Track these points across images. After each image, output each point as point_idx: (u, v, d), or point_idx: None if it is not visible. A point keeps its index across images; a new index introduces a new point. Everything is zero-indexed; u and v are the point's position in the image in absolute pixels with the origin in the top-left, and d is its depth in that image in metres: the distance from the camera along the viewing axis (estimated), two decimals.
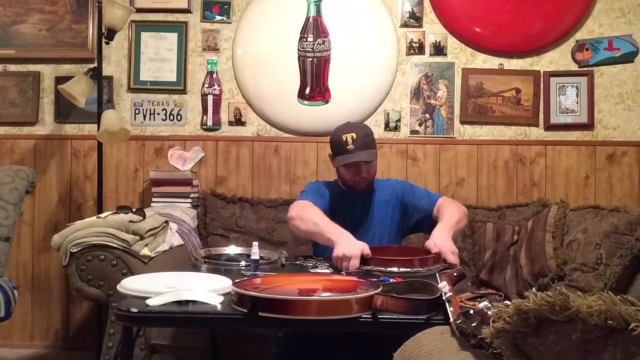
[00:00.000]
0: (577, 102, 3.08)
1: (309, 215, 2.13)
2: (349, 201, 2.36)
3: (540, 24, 3.07)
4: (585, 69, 3.08)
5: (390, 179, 2.65)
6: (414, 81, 3.13)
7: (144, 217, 2.29)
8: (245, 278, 1.68)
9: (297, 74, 3.10)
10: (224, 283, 1.58)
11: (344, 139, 2.25)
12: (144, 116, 3.18)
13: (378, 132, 3.12)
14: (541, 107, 3.10)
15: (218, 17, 3.17)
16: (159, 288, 1.50)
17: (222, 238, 2.92)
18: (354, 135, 2.25)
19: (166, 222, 2.46)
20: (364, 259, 1.90)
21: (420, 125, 3.13)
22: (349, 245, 1.92)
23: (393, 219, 2.35)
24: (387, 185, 2.45)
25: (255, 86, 3.13)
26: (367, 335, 1.87)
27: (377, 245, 2.16)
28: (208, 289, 1.51)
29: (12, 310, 2.27)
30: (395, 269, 1.85)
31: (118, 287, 1.58)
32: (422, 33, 3.13)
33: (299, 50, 3.09)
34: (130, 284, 1.57)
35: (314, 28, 3.09)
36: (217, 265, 1.94)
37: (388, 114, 3.13)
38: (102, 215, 2.30)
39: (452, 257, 1.95)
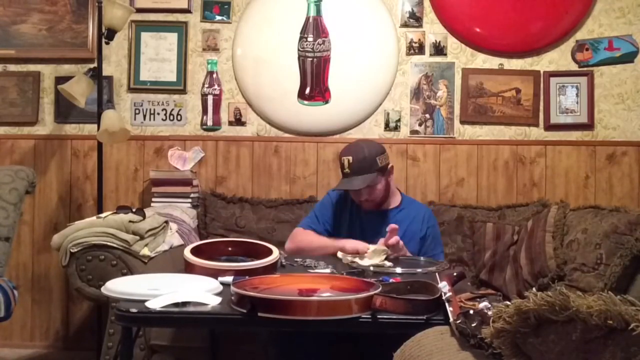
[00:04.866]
0: (577, 102, 3.08)
1: (307, 243, 2.30)
2: (371, 218, 2.35)
3: (540, 24, 3.06)
4: (585, 69, 3.08)
5: (421, 207, 2.50)
6: (414, 81, 3.13)
7: (144, 217, 2.29)
8: (245, 278, 1.68)
9: (297, 74, 3.10)
10: (212, 284, 1.58)
11: (342, 161, 2.27)
12: (144, 116, 3.18)
13: (378, 132, 3.12)
14: (541, 107, 3.10)
15: (218, 17, 3.17)
16: (142, 290, 1.50)
17: (222, 238, 2.91)
18: (349, 159, 2.24)
19: (166, 222, 2.46)
20: None
21: (420, 125, 3.13)
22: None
23: (409, 247, 2.27)
24: (415, 216, 2.36)
25: (255, 86, 3.13)
26: (367, 335, 1.87)
27: None
28: (195, 290, 1.50)
29: (12, 310, 2.27)
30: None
31: (102, 289, 1.57)
32: (422, 33, 3.13)
33: (299, 50, 3.09)
34: (114, 286, 1.56)
35: (314, 28, 3.09)
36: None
37: (388, 114, 3.13)
38: (102, 215, 2.30)
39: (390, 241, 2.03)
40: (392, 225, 2.10)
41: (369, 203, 2.32)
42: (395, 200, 2.42)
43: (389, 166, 2.34)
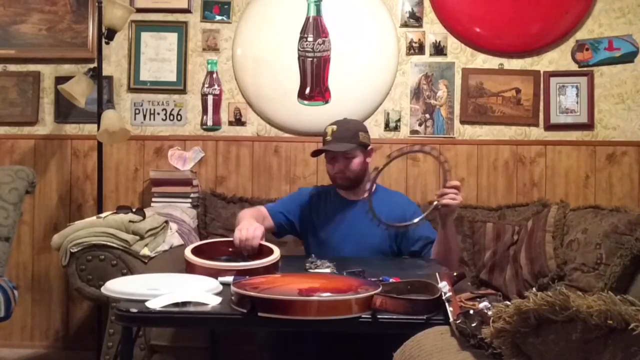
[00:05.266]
0: (577, 102, 3.08)
1: (240, 214, 2.30)
2: (344, 208, 2.37)
3: (540, 24, 3.07)
4: (585, 69, 3.08)
5: (399, 195, 2.50)
6: (414, 81, 3.13)
7: (144, 217, 2.29)
8: (246, 278, 1.68)
9: (297, 74, 3.10)
10: (212, 284, 1.58)
11: (326, 130, 2.33)
12: (144, 116, 3.18)
13: (378, 132, 3.12)
14: (541, 107, 3.10)
15: (218, 17, 3.17)
16: (142, 290, 1.50)
17: (222, 238, 2.91)
18: (334, 127, 2.31)
19: (166, 222, 2.46)
20: None
21: (420, 125, 3.13)
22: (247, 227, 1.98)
23: (387, 236, 2.28)
24: (392, 202, 2.34)
25: (255, 86, 3.13)
26: (367, 335, 1.87)
27: (367, 257, 2.21)
28: (195, 290, 1.50)
29: (12, 310, 2.27)
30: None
31: (102, 289, 1.57)
32: (422, 33, 3.13)
33: (299, 50, 3.09)
34: (114, 286, 1.56)
35: (314, 28, 3.09)
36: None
37: (388, 114, 3.13)
38: (102, 215, 2.30)
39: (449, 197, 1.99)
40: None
41: (341, 175, 2.31)
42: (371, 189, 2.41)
43: (369, 147, 2.37)
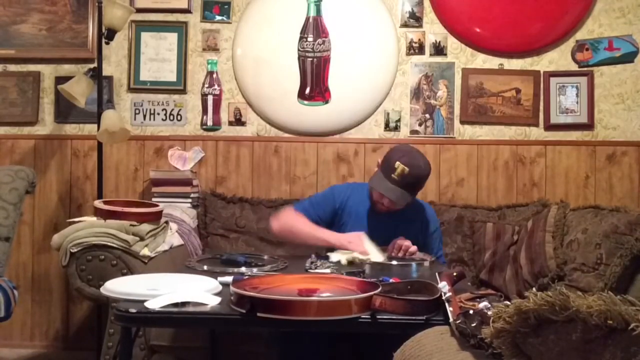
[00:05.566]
0: (577, 102, 3.08)
1: (298, 229, 2.28)
2: (372, 213, 2.37)
3: (540, 24, 3.06)
4: (585, 69, 3.08)
5: (425, 204, 2.53)
6: (414, 81, 3.13)
7: None
8: (245, 277, 1.68)
9: (297, 74, 3.10)
10: (211, 284, 1.58)
11: (396, 166, 2.19)
12: (144, 116, 3.18)
13: (378, 132, 3.13)
14: (541, 107, 3.10)
15: (218, 17, 3.17)
16: (141, 290, 1.50)
17: (222, 238, 2.92)
18: (406, 169, 2.18)
19: (166, 222, 2.46)
20: None
21: (420, 125, 3.12)
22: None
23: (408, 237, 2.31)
24: (414, 213, 2.40)
25: (255, 86, 3.13)
26: (367, 335, 1.87)
27: None
28: (195, 290, 1.50)
29: (12, 310, 2.27)
30: None
31: (102, 289, 1.58)
32: (422, 33, 3.13)
33: (299, 50, 3.09)
34: (113, 286, 1.56)
35: (314, 28, 3.09)
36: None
37: (388, 114, 3.13)
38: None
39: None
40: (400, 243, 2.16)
41: (383, 208, 2.31)
42: None
43: None
